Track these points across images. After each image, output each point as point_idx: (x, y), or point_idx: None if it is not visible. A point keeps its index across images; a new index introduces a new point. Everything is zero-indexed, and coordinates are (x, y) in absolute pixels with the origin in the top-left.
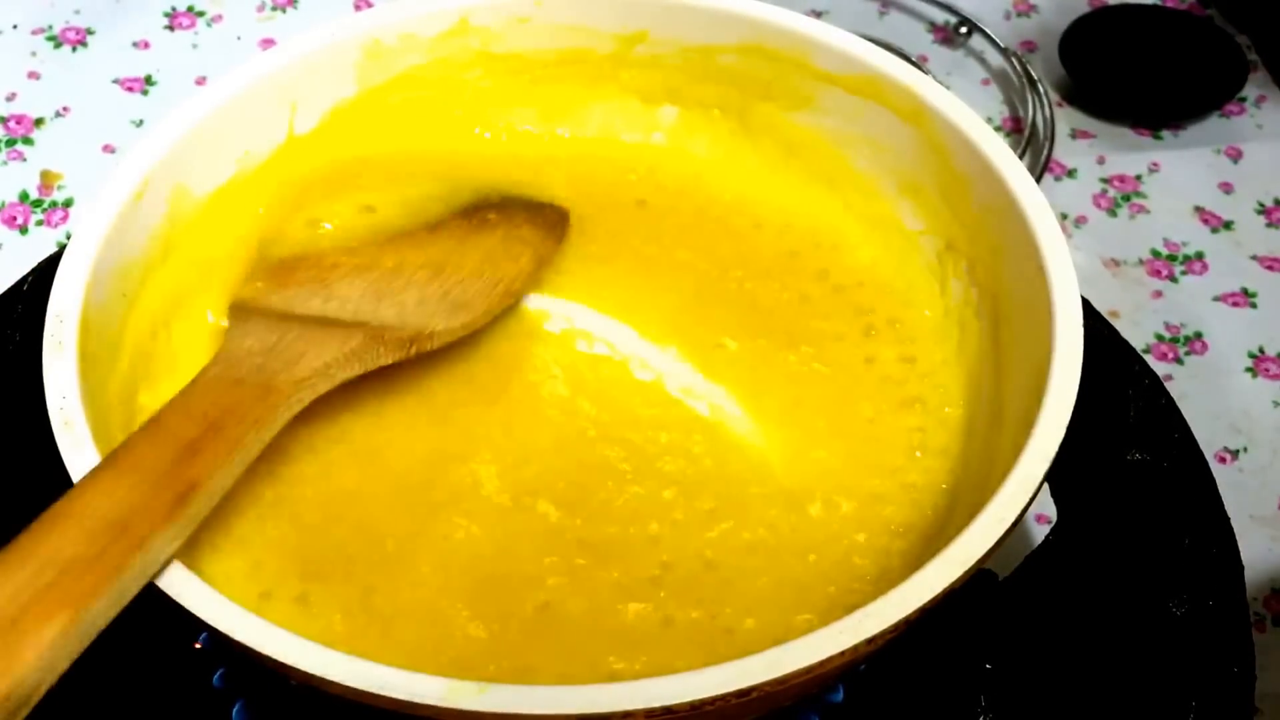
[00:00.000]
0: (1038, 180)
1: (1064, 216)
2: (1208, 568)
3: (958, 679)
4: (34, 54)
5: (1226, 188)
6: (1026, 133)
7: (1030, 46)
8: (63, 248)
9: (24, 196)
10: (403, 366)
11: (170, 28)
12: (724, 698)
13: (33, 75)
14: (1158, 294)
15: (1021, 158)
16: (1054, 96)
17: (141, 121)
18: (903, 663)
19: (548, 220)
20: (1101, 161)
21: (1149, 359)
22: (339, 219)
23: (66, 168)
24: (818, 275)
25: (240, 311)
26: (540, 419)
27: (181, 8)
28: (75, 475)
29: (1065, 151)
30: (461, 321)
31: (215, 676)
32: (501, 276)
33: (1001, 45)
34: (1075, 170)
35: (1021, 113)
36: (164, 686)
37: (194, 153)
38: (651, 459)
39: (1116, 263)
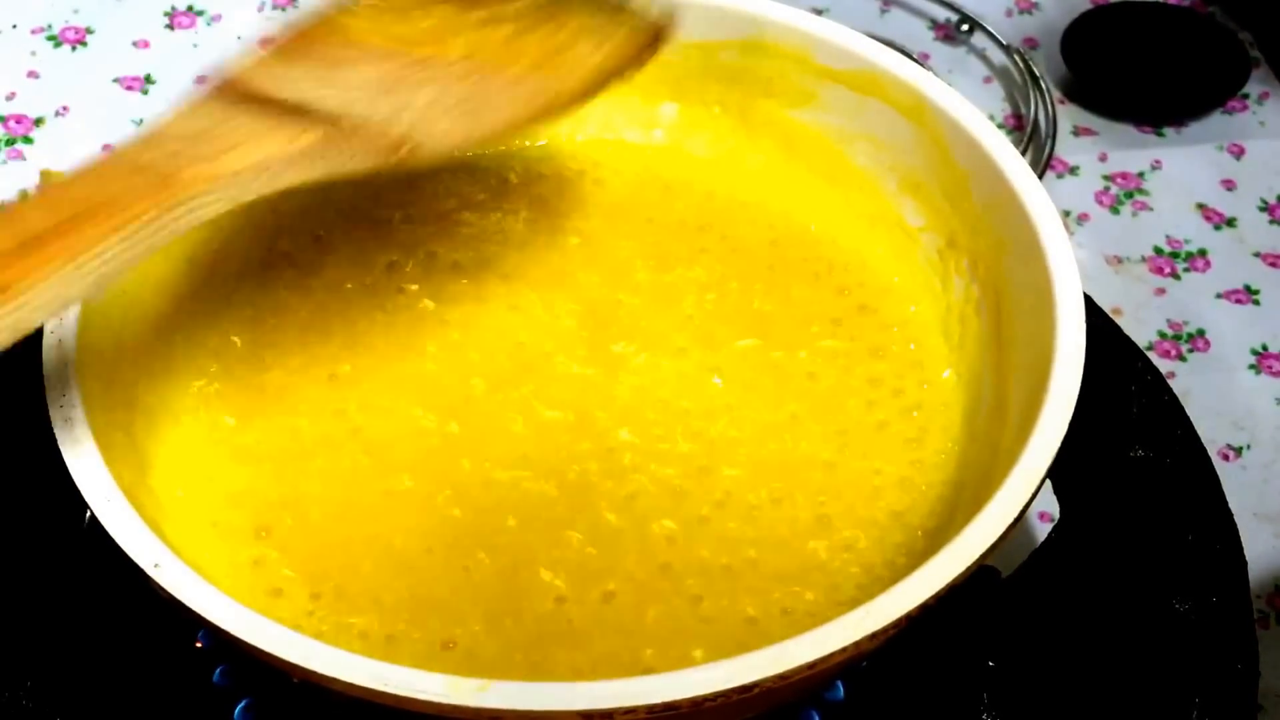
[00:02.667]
0: (1040, 177)
1: (1066, 214)
2: (1211, 565)
3: (960, 676)
4: (33, 53)
5: (1229, 184)
6: (1028, 130)
7: (1032, 43)
8: None
9: (23, 196)
10: (411, 364)
11: (170, 27)
12: (726, 693)
13: (32, 75)
14: (1160, 291)
15: (1023, 155)
16: (1056, 93)
17: (141, 121)
18: (905, 660)
19: (638, 33)
20: (1104, 158)
21: (1152, 356)
22: None
23: (66, 167)
24: (818, 273)
25: (214, 90)
26: (551, 413)
27: (181, 7)
28: (76, 473)
29: (1067, 148)
30: (467, 132)
31: (216, 673)
32: (550, 86)
33: (1003, 42)
34: (1077, 167)
35: (1023, 110)
36: (164, 686)
37: None
38: (659, 454)
39: (1119, 260)
